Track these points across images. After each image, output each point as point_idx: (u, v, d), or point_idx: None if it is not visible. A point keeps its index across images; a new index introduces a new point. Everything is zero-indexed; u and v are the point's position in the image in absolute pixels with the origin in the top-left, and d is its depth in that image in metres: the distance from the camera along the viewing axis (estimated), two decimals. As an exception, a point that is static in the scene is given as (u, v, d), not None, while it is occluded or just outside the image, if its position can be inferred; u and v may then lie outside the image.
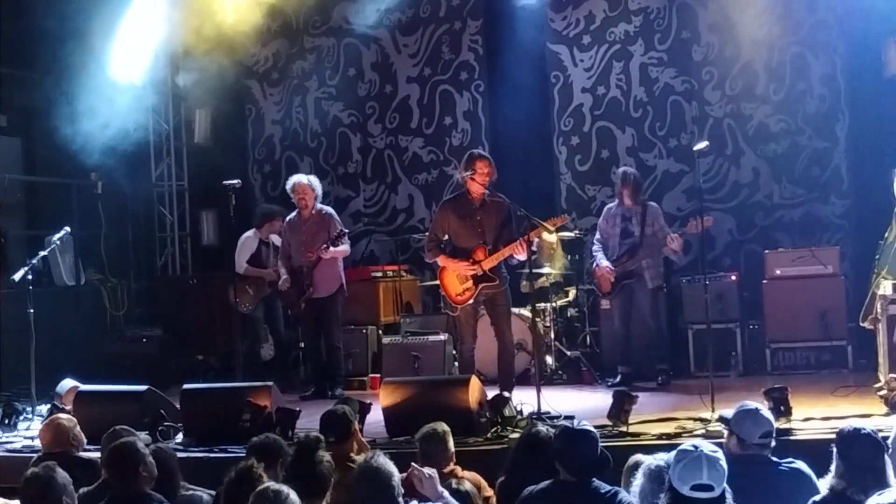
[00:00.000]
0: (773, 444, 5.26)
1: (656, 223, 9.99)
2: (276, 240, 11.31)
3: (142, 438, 6.04)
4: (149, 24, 13.36)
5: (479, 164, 8.94)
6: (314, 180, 10.67)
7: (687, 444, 4.44)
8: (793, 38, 11.65)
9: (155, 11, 13.27)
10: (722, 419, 5.55)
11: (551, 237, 10.74)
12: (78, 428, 6.80)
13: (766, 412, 5.35)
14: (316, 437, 5.46)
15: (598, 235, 10.30)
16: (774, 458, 5.19)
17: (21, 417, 9.27)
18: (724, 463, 4.38)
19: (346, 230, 10.67)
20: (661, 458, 4.77)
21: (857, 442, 4.83)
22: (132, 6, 13.03)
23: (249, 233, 11.43)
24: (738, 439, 5.22)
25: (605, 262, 10.07)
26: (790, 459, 5.19)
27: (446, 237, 9.16)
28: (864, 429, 4.92)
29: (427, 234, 9.46)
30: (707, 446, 4.42)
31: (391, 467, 4.85)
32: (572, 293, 11.25)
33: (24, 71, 12.97)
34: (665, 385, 9.81)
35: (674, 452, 4.44)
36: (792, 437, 6.81)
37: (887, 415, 7.34)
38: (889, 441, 4.93)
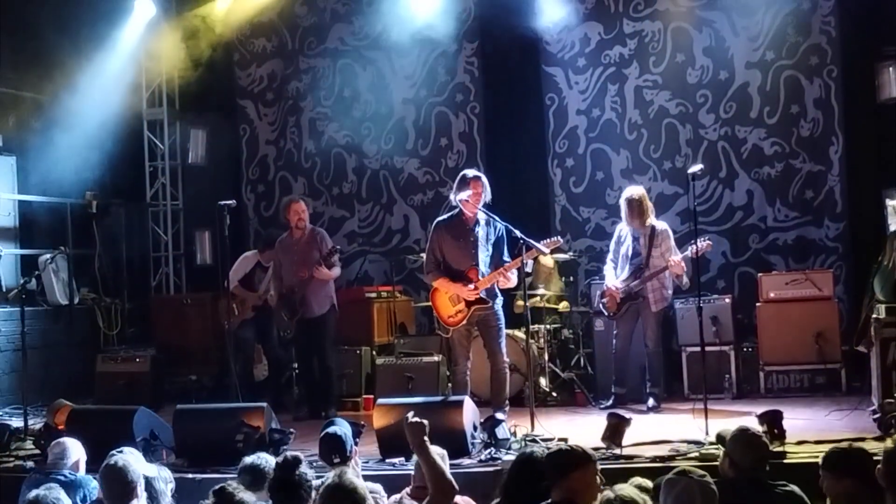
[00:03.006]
0: (768, 468, 5.26)
1: (664, 244, 9.95)
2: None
3: (142, 461, 6.01)
4: (145, 45, 13.45)
5: (473, 183, 8.92)
6: (307, 200, 10.73)
7: (671, 473, 4.45)
8: (787, 61, 11.69)
9: (151, 32, 13.37)
10: (719, 438, 5.54)
11: (548, 261, 10.76)
12: (83, 455, 6.77)
13: (763, 438, 5.34)
14: (294, 457, 5.45)
15: (610, 255, 10.28)
16: (769, 482, 5.19)
17: (13, 437, 9.23)
18: (713, 486, 4.41)
19: (339, 247, 10.66)
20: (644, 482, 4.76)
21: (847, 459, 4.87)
22: (129, 27, 13.12)
23: (250, 253, 11.48)
24: (732, 462, 5.22)
25: (612, 282, 10.06)
26: (784, 482, 5.18)
27: (442, 258, 9.16)
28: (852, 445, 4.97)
29: (425, 255, 9.42)
30: (695, 472, 4.44)
31: (363, 489, 4.79)
32: (566, 315, 11.25)
33: (20, 90, 12.98)
34: (655, 408, 9.80)
35: (662, 485, 4.45)
36: (785, 461, 6.80)
37: (880, 438, 7.32)
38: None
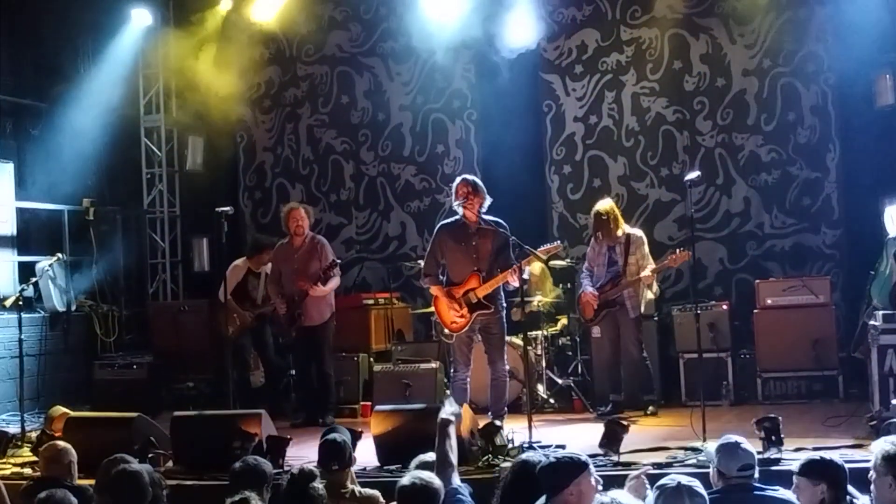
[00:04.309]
0: (757, 475, 5.26)
1: (639, 252, 10.01)
2: (269, 270, 11.26)
3: (141, 468, 5.99)
4: (142, 53, 13.47)
5: (459, 187, 9.00)
6: (307, 207, 10.71)
7: (665, 478, 4.45)
8: (783, 68, 11.73)
9: (149, 40, 13.39)
10: (706, 453, 5.56)
11: (535, 268, 10.77)
12: (75, 458, 6.77)
13: (748, 445, 5.33)
14: (310, 470, 5.44)
15: (586, 263, 10.34)
16: (757, 485, 5.19)
17: (10, 444, 9.22)
18: (702, 490, 4.42)
19: (339, 260, 10.63)
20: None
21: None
22: (127, 35, 13.13)
23: (239, 261, 11.33)
24: (719, 473, 5.23)
25: (589, 289, 10.10)
26: (776, 487, 5.18)
27: (443, 262, 9.16)
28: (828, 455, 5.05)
29: (425, 258, 9.43)
30: (684, 478, 4.45)
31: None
32: (564, 321, 11.25)
33: (18, 97, 12.99)
34: (653, 415, 9.81)
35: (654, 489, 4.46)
36: (783, 468, 6.80)
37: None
38: (871, 464, 4.95)
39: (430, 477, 5.07)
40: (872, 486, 4.87)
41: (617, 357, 10.15)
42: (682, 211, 11.80)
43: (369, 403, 10.46)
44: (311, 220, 10.66)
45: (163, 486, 6.15)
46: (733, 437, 5.37)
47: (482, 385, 9.38)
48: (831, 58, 11.54)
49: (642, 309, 10.09)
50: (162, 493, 6.04)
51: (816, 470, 4.95)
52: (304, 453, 7.87)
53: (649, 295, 10.17)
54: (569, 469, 4.63)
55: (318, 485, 5.28)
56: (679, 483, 4.43)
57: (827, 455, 5.13)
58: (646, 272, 9.85)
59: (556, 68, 12.52)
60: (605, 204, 10.20)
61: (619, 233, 10.01)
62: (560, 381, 10.83)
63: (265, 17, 13.02)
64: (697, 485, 4.45)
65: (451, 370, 9.37)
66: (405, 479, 5.06)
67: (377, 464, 7.78)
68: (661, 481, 4.46)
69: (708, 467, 6.36)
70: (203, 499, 7.08)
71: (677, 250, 9.87)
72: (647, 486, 5.06)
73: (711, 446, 5.62)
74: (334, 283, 10.49)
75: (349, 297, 12.01)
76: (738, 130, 11.88)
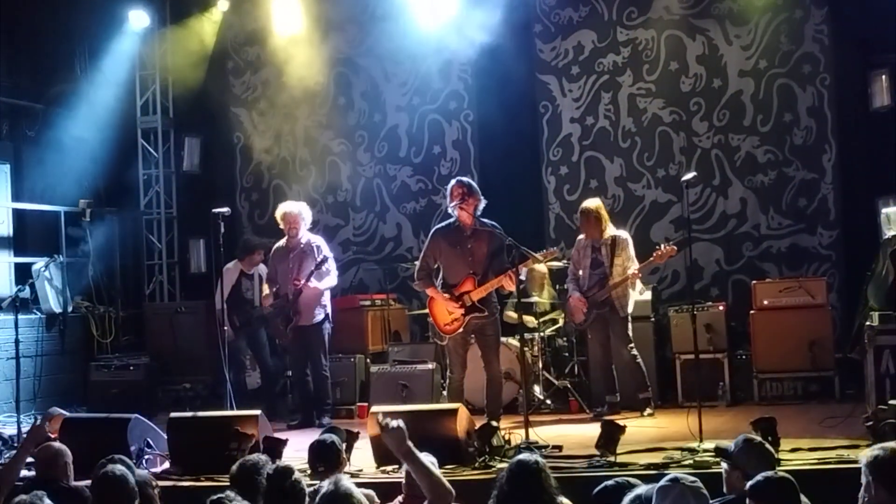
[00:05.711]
0: None
1: (624, 254, 10.02)
2: (263, 270, 11.25)
3: (139, 473, 5.99)
4: (139, 53, 13.48)
5: (452, 190, 9.00)
6: (303, 208, 10.62)
7: (663, 481, 4.41)
8: (780, 69, 11.73)
9: (146, 41, 13.40)
10: (721, 452, 5.43)
11: (541, 268, 10.78)
12: (70, 459, 6.76)
13: (768, 444, 5.30)
14: (286, 466, 5.44)
15: (570, 266, 10.33)
16: None
17: (6, 446, 9.21)
18: (705, 490, 4.39)
19: (328, 255, 10.51)
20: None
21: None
22: (123, 36, 13.13)
23: (230, 264, 11.22)
24: (746, 475, 5.13)
25: (576, 294, 10.10)
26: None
27: (437, 265, 9.16)
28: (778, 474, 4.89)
29: (418, 261, 9.44)
30: (686, 478, 4.41)
31: (358, 495, 4.75)
32: (560, 323, 11.25)
33: (15, 98, 12.99)
34: (650, 415, 9.81)
35: (654, 490, 4.42)
36: (779, 469, 6.79)
37: (872, 445, 7.31)
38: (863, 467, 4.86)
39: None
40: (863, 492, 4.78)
41: (608, 359, 10.15)
42: (678, 212, 11.80)
43: (366, 404, 10.46)
44: (307, 218, 10.57)
45: (153, 485, 6.15)
46: (755, 437, 5.30)
47: (478, 386, 9.38)
48: (827, 59, 11.56)
49: (630, 308, 10.09)
50: (154, 493, 6.04)
51: (765, 491, 4.79)
52: (300, 455, 7.86)
53: (635, 295, 10.18)
54: (626, 488, 4.73)
55: (298, 477, 5.28)
56: (683, 485, 4.37)
57: (775, 474, 4.91)
58: (632, 269, 9.87)
59: (553, 69, 12.53)
60: (592, 201, 10.25)
61: (605, 234, 10.00)
62: (557, 382, 10.83)
63: (261, 17, 13.01)
64: (699, 484, 4.41)
65: (448, 372, 9.37)
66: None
67: (374, 465, 7.78)
68: (661, 484, 4.42)
69: (706, 468, 6.39)
70: (199, 500, 7.06)
71: (662, 245, 9.90)
72: None
73: (719, 447, 5.52)
74: (329, 281, 10.44)
75: (346, 299, 12.03)
76: (735, 131, 11.88)
